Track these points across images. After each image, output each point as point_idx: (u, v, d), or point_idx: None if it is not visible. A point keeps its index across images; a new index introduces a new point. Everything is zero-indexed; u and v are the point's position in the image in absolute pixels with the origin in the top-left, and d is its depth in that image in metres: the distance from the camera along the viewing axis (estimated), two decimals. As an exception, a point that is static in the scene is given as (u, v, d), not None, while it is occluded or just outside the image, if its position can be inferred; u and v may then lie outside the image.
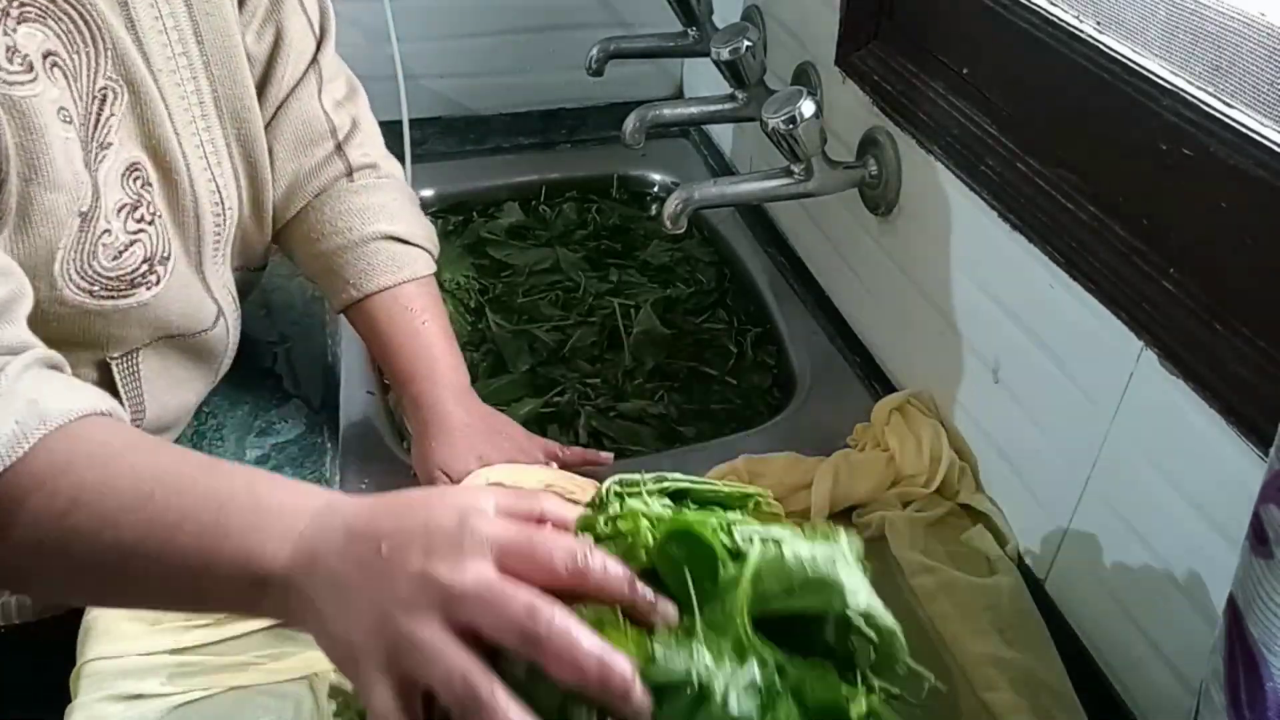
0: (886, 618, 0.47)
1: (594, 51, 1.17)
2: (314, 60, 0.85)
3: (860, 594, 0.46)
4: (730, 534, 0.48)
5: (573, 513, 0.52)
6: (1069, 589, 0.74)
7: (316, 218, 0.86)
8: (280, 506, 0.51)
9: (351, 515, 0.50)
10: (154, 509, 0.51)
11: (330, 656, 0.49)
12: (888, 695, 0.49)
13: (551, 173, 1.36)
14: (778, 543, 0.47)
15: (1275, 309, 0.56)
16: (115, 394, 0.74)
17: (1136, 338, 0.64)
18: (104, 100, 0.66)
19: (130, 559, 0.51)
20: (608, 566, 0.47)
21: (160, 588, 0.53)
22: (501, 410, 0.89)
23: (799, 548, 0.47)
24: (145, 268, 0.70)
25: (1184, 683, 0.63)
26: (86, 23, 0.65)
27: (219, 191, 0.77)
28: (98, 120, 0.66)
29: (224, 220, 0.79)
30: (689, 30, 1.19)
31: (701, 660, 0.43)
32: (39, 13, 0.62)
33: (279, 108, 0.83)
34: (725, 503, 0.53)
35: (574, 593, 0.46)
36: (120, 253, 0.68)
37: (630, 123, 1.06)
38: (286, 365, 1.00)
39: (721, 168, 1.35)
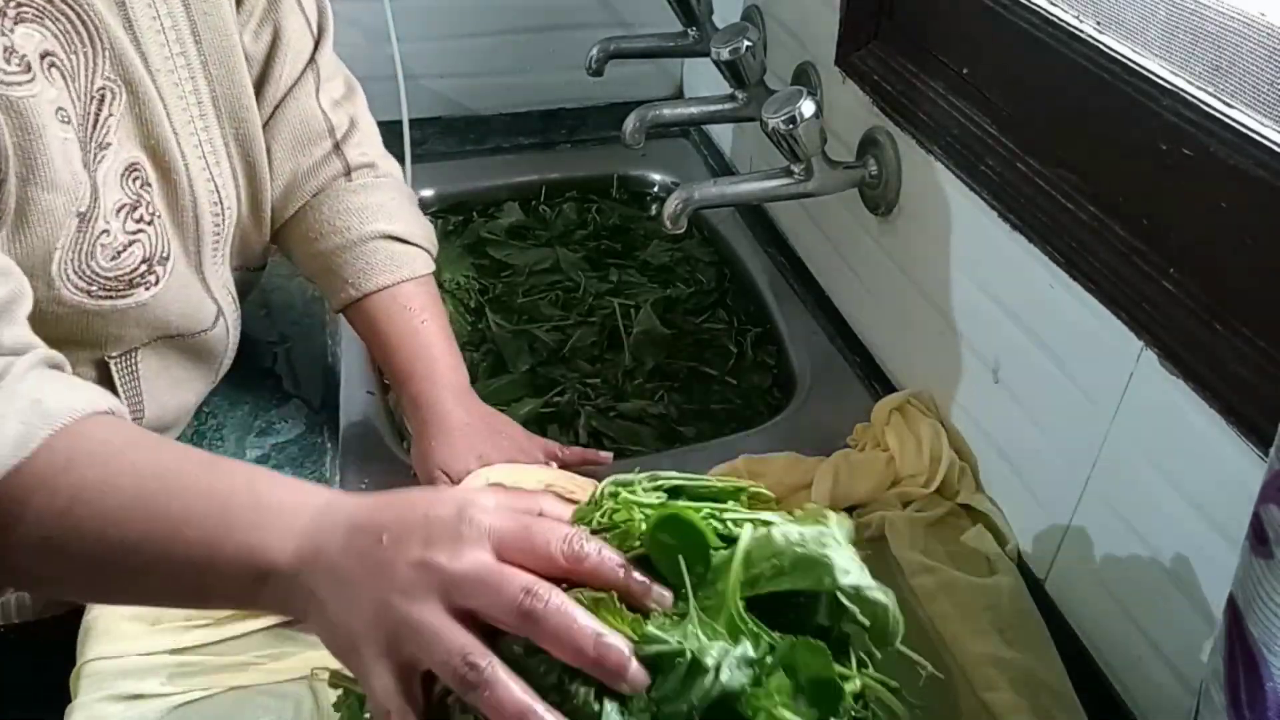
0: (878, 593, 0.48)
1: (594, 51, 1.17)
2: (311, 60, 0.85)
3: (851, 572, 0.47)
4: (721, 520, 0.49)
5: (569, 510, 0.53)
6: (1069, 589, 0.74)
7: (315, 217, 0.86)
8: (281, 503, 0.52)
9: (353, 510, 0.51)
10: (156, 506, 0.51)
11: (331, 648, 0.50)
12: (885, 686, 0.49)
13: (551, 173, 1.36)
14: (767, 525, 0.49)
15: (1275, 309, 0.56)
16: (114, 393, 0.74)
17: (1136, 338, 0.64)
18: (102, 100, 0.66)
19: (132, 556, 0.52)
20: (603, 552, 0.48)
21: (162, 584, 0.54)
22: (501, 410, 0.89)
23: (788, 529, 0.48)
24: (144, 268, 0.70)
25: (1184, 683, 0.63)
26: (84, 23, 0.65)
27: (218, 191, 0.77)
28: (96, 120, 0.66)
29: (223, 220, 0.79)
30: (689, 30, 1.19)
31: (695, 636, 0.45)
32: (36, 13, 0.62)
33: (277, 107, 0.83)
34: (718, 496, 0.54)
35: (571, 580, 0.47)
36: (119, 253, 0.68)
37: (630, 123, 1.06)
38: (286, 365, 1.00)
39: (721, 168, 1.35)
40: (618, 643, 0.44)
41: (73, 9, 0.64)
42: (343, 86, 0.89)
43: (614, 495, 0.52)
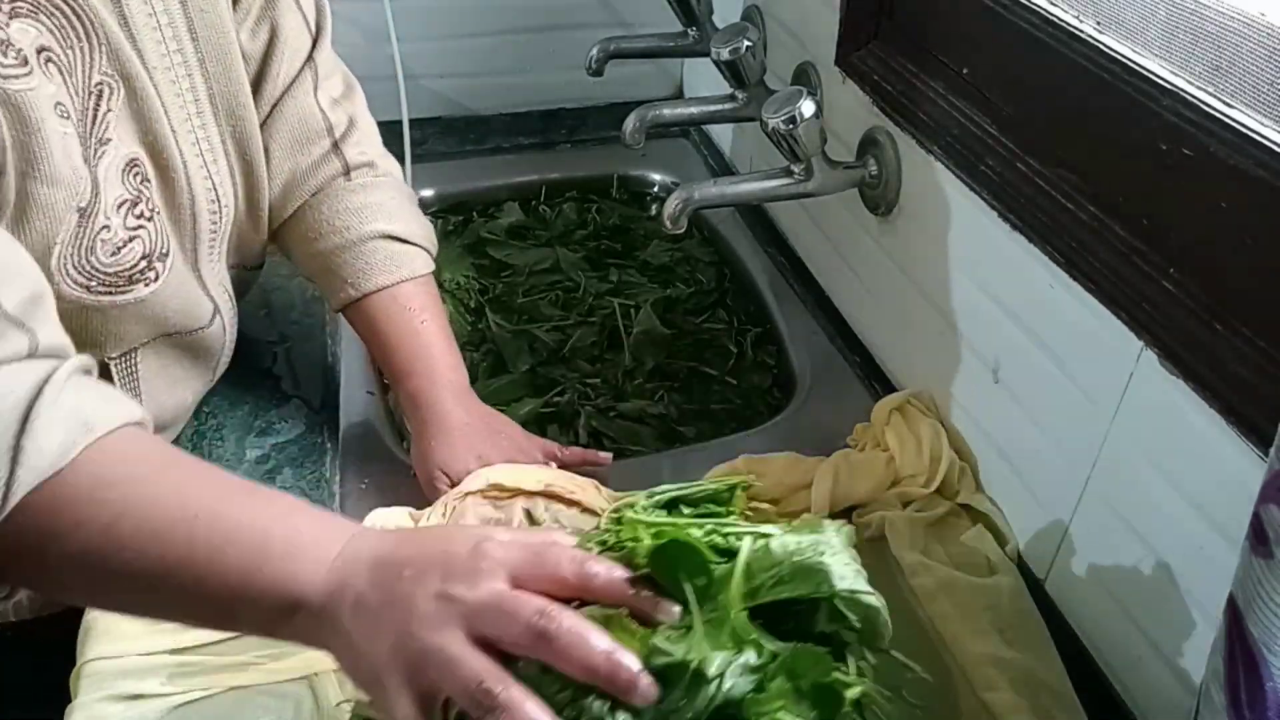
0: (869, 596, 0.49)
1: (594, 51, 1.17)
2: (309, 58, 0.85)
3: (847, 577, 0.49)
4: (722, 535, 0.51)
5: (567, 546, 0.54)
6: (1069, 589, 0.74)
7: (314, 217, 0.86)
8: (315, 536, 0.53)
9: (376, 546, 0.53)
10: (199, 529, 0.52)
11: (355, 678, 0.52)
12: (884, 690, 0.50)
13: (551, 173, 1.36)
14: (765, 537, 0.50)
15: (1275, 309, 0.56)
16: None
17: (1136, 338, 0.64)
18: (100, 96, 0.66)
19: (170, 576, 0.52)
20: (611, 571, 0.49)
21: (192, 605, 0.55)
22: (501, 410, 0.89)
23: (785, 540, 0.50)
24: (144, 264, 0.70)
25: (1184, 683, 0.63)
26: (80, 18, 0.65)
27: (215, 189, 0.77)
28: (95, 116, 0.66)
29: (220, 217, 0.79)
30: (689, 30, 1.19)
31: (699, 648, 0.46)
32: (31, 8, 0.62)
33: (275, 105, 0.83)
34: (715, 497, 0.56)
35: (582, 599, 0.49)
36: (119, 248, 0.68)
37: (630, 123, 1.06)
38: (286, 365, 1.00)
39: (721, 168, 1.35)
40: (628, 659, 0.46)
41: (67, 4, 0.64)
42: (341, 85, 0.89)
43: (616, 520, 0.54)
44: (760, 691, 0.46)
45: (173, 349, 0.79)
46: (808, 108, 0.84)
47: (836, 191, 0.93)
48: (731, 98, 1.08)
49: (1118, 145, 0.67)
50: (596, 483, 0.81)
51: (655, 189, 1.37)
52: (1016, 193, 0.74)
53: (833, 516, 0.81)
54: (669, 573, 0.49)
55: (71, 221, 0.64)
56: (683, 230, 0.91)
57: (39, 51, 0.62)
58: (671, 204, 0.89)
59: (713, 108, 1.10)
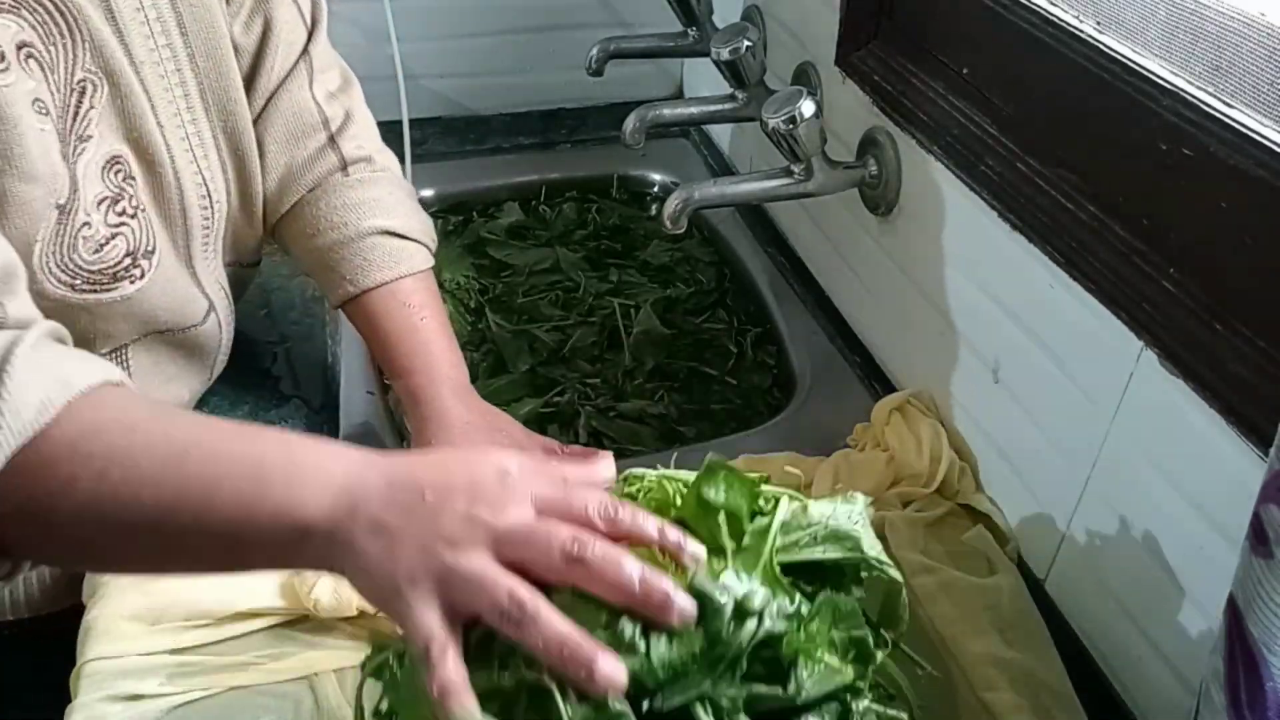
0: (893, 569, 0.51)
1: (594, 51, 1.17)
2: (305, 51, 0.85)
3: (876, 548, 0.51)
4: (757, 494, 0.52)
5: (594, 472, 0.54)
6: (1069, 589, 0.74)
7: (312, 212, 0.86)
8: (317, 462, 0.52)
9: (390, 468, 0.51)
10: (191, 468, 0.51)
11: (371, 596, 0.51)
12: (886, 695, 0.51)
13: (551, 173, 1.36)
14: (802, 499, 0.52)
15: (1275, 309, 0.56)
16: None
17: (1136, 338, 0.64)
18: (83, 93, 0.66)
19: (169, 518, 0.51)
20: (637, 515, 0.49)
21: (200, 546, 0.53)
22: (501, 410, 0.89)
23: (822, 505, 0.52)
24: (128, 261, 0.70)
25: (1184, 683, 0.63)
26: (62, 14, 0.64)
27: (206, 185, 0.77)
28: (76, 113, 0.66)
29: (212, 214, 0.78)
30: (689, 30, 1.19)
31: (739, 583, 0.47)
32: (12, 3, 0.62)
33: (269, 99, 0.83)
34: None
35: (609, 539, 0.49)
36: (101, 246, 0.68)
37: (630, 123, 1.06)
38: (286, 365, 1.00)
39: (721, 168, 1.35)
40: (664, 580, 0.46)
41: (51, 1, 0.64)
42: (338, 79, 0.88)
43: (625, 480, 0.54)
44: (800, 629, 0.47)
45: (165, 346, 0.78)
46: (808, 108, 0.84)
47: (836, 191, 0.93)
48: (731, 98, 1.08)
49: (1118, 145, 0.67)
50: (596, 482, 0.81)
51: (655, 189, 1.37)
52: (1016, 193, 0.74)
53: (833, 516, 0.81)
54: (708, 514, 0.49)
55: (51, 219, 0.64)
56: (683, 230, 0.91)
57: (19, 47, 0.61)
58: (671, 204, 0.89)
59: (713, 108, 1.10)
